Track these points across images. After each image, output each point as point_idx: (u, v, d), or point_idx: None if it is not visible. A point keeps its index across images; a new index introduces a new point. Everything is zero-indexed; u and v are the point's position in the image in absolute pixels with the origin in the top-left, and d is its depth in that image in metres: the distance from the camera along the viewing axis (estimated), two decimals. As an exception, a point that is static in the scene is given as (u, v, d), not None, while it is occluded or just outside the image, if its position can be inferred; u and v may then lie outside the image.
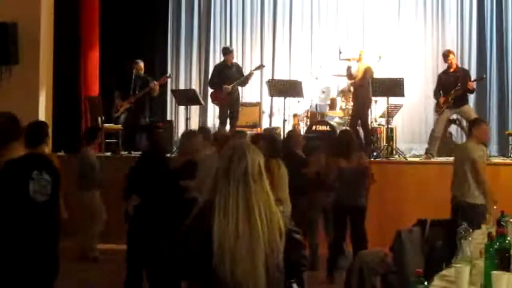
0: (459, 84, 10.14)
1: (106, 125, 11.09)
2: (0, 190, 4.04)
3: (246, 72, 11.91)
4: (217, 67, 11.68)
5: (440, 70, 11.03)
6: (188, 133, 7.73)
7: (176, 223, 5.93)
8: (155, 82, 11.07)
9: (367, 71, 10.70)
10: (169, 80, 12.45)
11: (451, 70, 10.33)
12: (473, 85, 10.32)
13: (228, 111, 11.28)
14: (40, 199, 4.08)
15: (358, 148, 8.01)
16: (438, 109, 10.47)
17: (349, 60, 11.34)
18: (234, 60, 11.77)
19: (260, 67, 12.03)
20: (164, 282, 6.26)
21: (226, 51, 11.62)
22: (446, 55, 10.46)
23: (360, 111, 10.80)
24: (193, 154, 6.80)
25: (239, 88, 11.59)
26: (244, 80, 11.42)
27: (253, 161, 2.98)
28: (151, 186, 6.18)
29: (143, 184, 6.24)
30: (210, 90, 11.84)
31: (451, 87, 10.21)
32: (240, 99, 11.79)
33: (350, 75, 11.07)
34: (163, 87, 12.10)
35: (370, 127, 10.79)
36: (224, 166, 2.97)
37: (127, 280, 6.37)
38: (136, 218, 6.27)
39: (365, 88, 10.67)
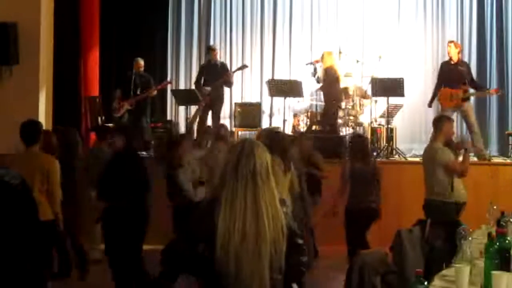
0: (466, 81, 10.05)
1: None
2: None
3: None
4: (202, 66, 11.75)
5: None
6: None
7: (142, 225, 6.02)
8: (153, 89, 10.97)
9: (327, 72, 10.49)
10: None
11: (452, 62, 10.23)
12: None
13: (211, 112, 11.15)
14: None
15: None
16: (432, 102, 10.49)
17: (312, 63, 11.30)
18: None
19: (243, 67, 11.90)
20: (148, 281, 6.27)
21: (207, 50, 11.72)
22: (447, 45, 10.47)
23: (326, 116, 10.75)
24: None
25: (226, 88, 11.52)
26: (223, 83, 11.17)
27: (261, 160, 2.96)
28: (127, 186, 6.13)
29: (119, 184, 6.17)
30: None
31: (452, 79, 10.12)
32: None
33: (318, 79, 11.02)
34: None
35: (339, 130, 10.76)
36: (232, 163, 2.95)
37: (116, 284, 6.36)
38: (111, 219, 6.25)
39: (329, 91, 10.53)
